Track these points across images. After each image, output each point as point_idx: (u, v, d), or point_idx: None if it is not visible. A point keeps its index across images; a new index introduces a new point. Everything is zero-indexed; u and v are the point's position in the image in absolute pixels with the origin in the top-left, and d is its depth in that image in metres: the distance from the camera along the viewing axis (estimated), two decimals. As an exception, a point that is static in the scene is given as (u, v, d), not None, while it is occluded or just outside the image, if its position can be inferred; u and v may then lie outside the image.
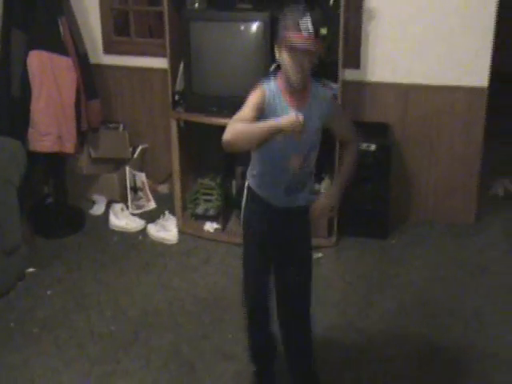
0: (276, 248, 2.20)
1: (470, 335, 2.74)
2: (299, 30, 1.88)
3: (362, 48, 3.56)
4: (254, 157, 2.13)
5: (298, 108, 1.96)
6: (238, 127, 1.86)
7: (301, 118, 1.81)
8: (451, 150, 3.65)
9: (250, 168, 2.19)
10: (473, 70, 3.47)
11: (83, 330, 2.75)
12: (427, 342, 2.69)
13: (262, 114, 1.94)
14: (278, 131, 1.85)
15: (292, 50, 1.88)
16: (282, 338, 2.31)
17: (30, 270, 3.19)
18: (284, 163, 2.03)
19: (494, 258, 3.37)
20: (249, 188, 2.20)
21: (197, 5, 3.22)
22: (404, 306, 2.95)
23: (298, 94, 1.99)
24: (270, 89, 1.97)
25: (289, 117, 1.82)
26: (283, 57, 1.93)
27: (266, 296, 2.28)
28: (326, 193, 2.27)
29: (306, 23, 1.90)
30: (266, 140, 1.89)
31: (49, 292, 3.03)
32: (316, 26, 1.91)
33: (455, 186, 3.71)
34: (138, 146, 4.12)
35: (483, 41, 3.41)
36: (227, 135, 1.85)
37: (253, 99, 1.95)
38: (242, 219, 2.26)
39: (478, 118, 3.56)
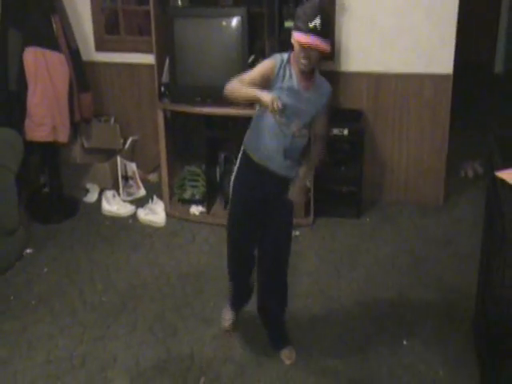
0: (263, 210, 2.45)
1: (430, 297, 3.00)
2: (309, 32, 2.13)
3: (336, 40, 3.78)
4: (258, 119, 2.36)
5: (305, 90, 2.27)
6: (234, 85, 2.21)
7: (276, 104, 2.07)
8: (420, 134, 3.88)
9: (248, 132, 2.43)
10: (438, 58, 3.70)
11: (76, 301, 3.00)
12: (389, 304, 2.96)
13: (270, 77, 2.23)
14: (255, 100, 2.17)
15: (301, 46, 2.16)
16: (260, 285, 2.60)
17: (28, 251, 3.44)
18: (286, 125, 2.27)
19: (458, 233, 3.61)
20: (244, 153, 2.43)
21: (180, 2, 3.45)
22: (372, 276, 3.20)
23: (305, 75, 2.26)
24: (283, 59, 2.26)
25: (269, 97, 2.09)
26: (295, 45, 2.19)
27: (249, 253, 2.57)
28: (297, 182, 2.46)
29: (316, 25, 2.13)
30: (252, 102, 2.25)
31: (45, 270, 3.28)
32: (327, 26, 2.17)
33: (425, 168, 3.94)
34: (128, 138, 4.35)
35: (447, 32, 3.63)
36: (226, 88, 2.21)
37: (262, 67, 2.26)
38: (232, 182, 2.51)
39: (444, 103, 3.79)
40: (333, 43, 3.78)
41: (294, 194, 2.42)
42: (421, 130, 3.88)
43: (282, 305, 2.64)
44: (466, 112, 5.07)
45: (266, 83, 2.23)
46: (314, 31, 2.13)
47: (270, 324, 2.67)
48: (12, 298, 3.03)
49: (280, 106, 2.08)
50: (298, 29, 2.17)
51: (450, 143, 3.91)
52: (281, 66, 2.26)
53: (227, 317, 2.75)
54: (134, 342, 2.69)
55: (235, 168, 2.50)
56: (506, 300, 2.16)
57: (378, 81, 3.82)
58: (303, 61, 2.20)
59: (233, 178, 2.51)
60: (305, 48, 2.16)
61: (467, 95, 5.44)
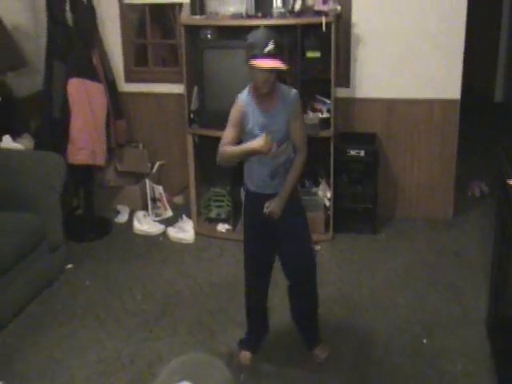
0: (272, 230, 2.60)
1: (445, 302, 3.24)
2: (266, 56, 2.30)
3: (351, 69, 4.08)
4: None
5: (267, 110, 2.44)
6: (222, 152, 2.48)
7: (270, 144, 2.34)
8: (430, 155, 4.16)
9: (244, 168, 2.64)
10: (446, 84, 3.99)
11: (119, 309, 3.25)
12: (408, 308, 3.19)
13: (242, 123, 2.46)
14: (252, 153, 2.42)
15: (262, 71, 2.35)
16: (292, 297, 2.78)
17: (69, 266, 3.69)
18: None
19: (467, 246, 3.85)
20: (246, 187, 2.67)
21: (209, 36, 3.77)
22: (390, 283, 3.45)
23: (267, 98, 2.44)
24: (243, 99, 2.47)
25: (260, 143, 2.35)
26: (254, 72, 2.37)
27: (263, 282, 2.74)
28: (276, 200, 2.56)
29: (269, 47, 2.30)
30: (245, 158, 2.48)
31: (87, 282, 3.53)
32: (280, 47, 2.34)
33: (434, 187, 4.21)
34: (155, 162, 4.64)
35: (454, 59, 3.92)
36: (217, 159, 2.50)
37: (232, 117, 2.48)
38: (242, 215, 2.75)
39: (452, 126, 4.07)
40: (348, 72, 4.11)
41: (273, 203, 2.54)
42: (430, 152, 4.15)
43: (314, 308, 2.81)
44: (470, 138, 5.37)
45: (240, 129, 2.46)
46: (270, 55, 2.32)
47: (303, 327, 2.85)
48: (59, 307, 3.28)
49: (275, 146, 2.37)
50: (256, 56, 2.33)
51: (460, 165, 4.18)
52: (245, 103, 2.44)
53: (247, 357, 2.80)
54: (176, 343, 2.92)
55: (243, 200, 2.73)
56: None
57: (390, 106, 4.11)
58: (264, 84, 2.37)
59: (243, 209, 2.73)
60: (265, 72, 2.33)
61: (470, 122, 5.74)
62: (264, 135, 2.35)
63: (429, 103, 4.04)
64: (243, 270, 2.78)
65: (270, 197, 2.57)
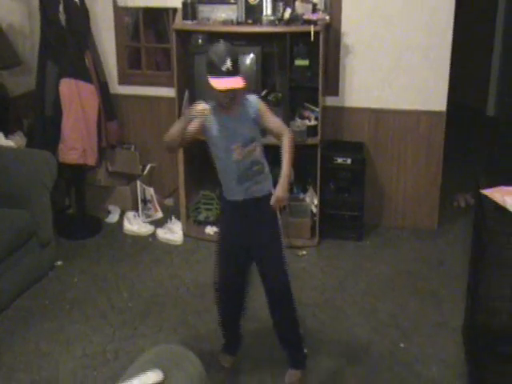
0: (247, 237, 2.58)
1: (425, 309, 3.32)
2: (223, 75, 2.33)
3: (340, 78, 4.18)
4: (214, 162, 2.60)
5: (229, 115, 2.48)
6: (166, 137, 2.52)
7: (205, 112, 2.39)
8: (416, 165, 4.24)
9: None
10: (433, 96, 4.08)
11: (106, 306, 3.32)
12: (388, 314, 3.27)
13: (202, 121, 2.46)
14: (189, 119, 2.44)
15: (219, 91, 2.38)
16: (270, 313, 2.73)
17: (59, 262, 3.76)
18: (229, 158, 2.49)
19: (451, 255, 3.93)
20: (222, 198, 2.67)
21: (200, 41, 3.85)
22: (372, 290, 3.53)
23: (230, 108, 2.47)
24: (207, 103, 2.48)
25: (199, 109, 2.41)
26: (213, 88, 2.37)
27: (236, 292, 2.71)
28: (278, 185, 2.49)
29: (227, 65, 2.32)
30: (184, 130, 2.45)
31: (75, 279, 3.60)
32: (238, 64, 2.36)
33: (420, 197, 4.29)
34: (147, 165, 4.71)
35: (441, 72, 4.00)
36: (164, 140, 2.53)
37: (190, 111, 2.47)
38: (219, 226, 2.77)
39: (438, 137, 4.16)
40: (337, 81, 4.20)
41: (278, 189, 2.46)
42: (417, 162, 4.24)
43: (293, 328, 2.72)
44: (459, 150, 5.48)
45: (199, 123, 2.47)
46: (227, 73, 2.33)
47: (282, 345, 2.79)
48: (47, 302, 3.34)
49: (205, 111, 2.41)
50: (212, 74, 2.36)
51: (444, 176, 4.27)
52: (210, 107, 2.44)
53: (226, 358, 2.83)
54: (160, 340, 2.99)
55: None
56: (491, 309, 2.48)
57: (378, 116, 4.19)
58: (225, 100, 2.41)
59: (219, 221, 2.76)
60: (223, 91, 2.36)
61: (461, 135, 5.87)
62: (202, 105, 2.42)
63: (416, 114, 4.13)
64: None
65: (243, 203, 2.56)
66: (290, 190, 2.72)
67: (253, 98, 2.55)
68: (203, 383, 1.61)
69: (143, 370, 1.54)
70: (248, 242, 2.61)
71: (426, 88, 4.07)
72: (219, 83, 2.36)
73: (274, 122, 2.57)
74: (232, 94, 2.41)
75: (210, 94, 2.48)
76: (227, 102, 2.44)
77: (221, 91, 2.38)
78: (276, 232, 2.60)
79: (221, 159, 2.57)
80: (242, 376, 2.80)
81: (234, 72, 2.37)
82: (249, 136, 2.53)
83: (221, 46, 2.42)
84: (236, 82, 2.37)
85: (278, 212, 2.59)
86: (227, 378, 2.78)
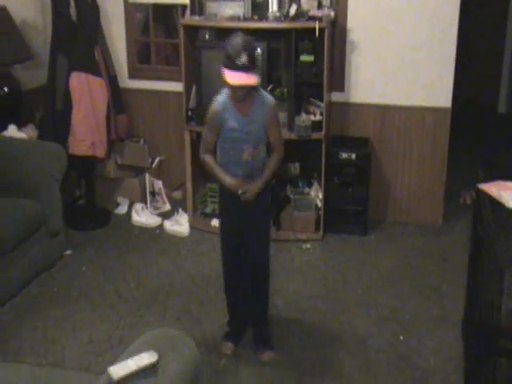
0: (244, 226, 2.74)
1: (426, 303, 3.36)
2: (237, 69, 2.33)
3: (346, 74, 4.22)
4: (218, 151, 2.68)
5: (244, 113, 2.51)
6: (203, 161, 2.69)
7: (240, 191, 2.55)
8: (421, 161, 4.27)
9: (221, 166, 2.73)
10: (437, 93, 4.11)
11: (112, 294, 3.40)
12: (389, 308, 3.32)
13: (219, 125, 2.55)
14: (221, 182, 2.63)
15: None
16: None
17: (68, 252, 3.85)
18: (239, 153, 2.58)
19: (454, 251, 3.96)
20: (220, 185, 2.76)
21: (207, 37, 3.91)
22: (374, 283, 3.57)
23: (243, 102, 2.50)
24: (219, 102, 2.55)
25: (233, 185, 2.57)
26: (226, 80, 2.41)
27: (238, 269, 2.85)
28: (251, 186, 2.64)
29: (242, 60, 2.31)
30: (215, 138, 2.63)
31: (83, 268, 3.69)
32: (253, 59, 2.35)
33: (425, 193, 4.32)
34: (155, 158, 4.79)
35: (446, 68, 4.03)
36: (201, 157, 2.69)
37: (208, 120, 2.61)
38: (218, 210, 2.86)
39: (443, 134, 4.19)
40: (343, 77, 4.24)
41: (249, 188, 2.60)
42: (422, 157, 4.27)
43: (264, 308, 2.92)
44: (469, 147, 5.49)
45: (217, 131, 2.57)
46: (241, 68, 2.32)
47: (254, 327, 2.95)
48: (56, 290, 3.44)
49: (240, 191, 2.56)
50: (227, 66, 2.36)
51: (451, 172, 4.30)
52: (222, 108, 2.51)
53: (228, 346, 2.91)
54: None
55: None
56: (490, 303, 2.51)
57: (383, 112, 4.22)
58: (238, 93, 2.43)
59: (218, 205, 2.87)
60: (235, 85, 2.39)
61: (472, 132, 5.88)
62: (239, 183, 2.57)
63: (421, 110, 4.16)
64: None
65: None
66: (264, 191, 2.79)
67: (269, 100, 2.57)
68: (197, 365, 1.68)
69: (139, 351, 1.61)
70: (243, 223, 2.74)
71: (431, 84, 4.09)
72: (233, 78, 2.36)
73: (275, 133, 2.64)
74: (246, 89, 2.41)
75: (225, 87, 2.52)
76: (241, 96, 2.46)
77: (234, 86, 2.40)
78: (267, 217, 2.80)
79: (229, 155, 2.63)
80: (241, 363, 2.86)
81: (249, 67, 2.35)
82: (260, 136, 2.60)
83: (239, 39, 2.39)
84: (249, 79, 2.36)
85: (269, 200, 2.75)
86: (227, 364, 2.85)
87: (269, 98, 2.60)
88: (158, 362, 1.60)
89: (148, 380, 1.56)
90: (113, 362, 2.72)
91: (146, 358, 1.59)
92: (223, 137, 2.60)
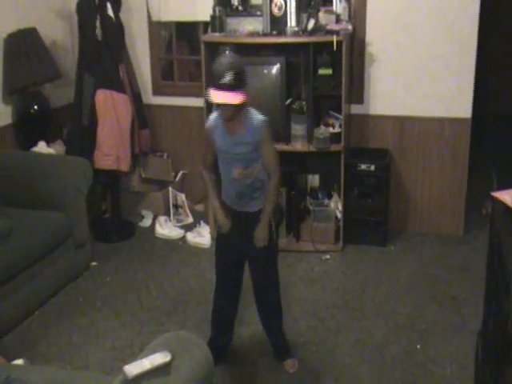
0: (242, 244, 2.73)
1: (444, 312, 3.37)
2: (219, 88, 2.33)
3: (365, 87, 4.27)
4: (220, 170, 2.73)
5: (232, 133, 2.52)
6: (204, 175, 2.75)
7: (224, 229, 2.66)
8: (441, 171, 4.28)
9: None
10: (457, 104, 4.13)
11: (135, 304, 3.51)
12: (407, 317, 3.34)
13: (212, 142, 2.61)
14: (207, 139, 2.64)
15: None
16: (258, 308, 2.95)
17: (94, 263, 3.98)
18: (230, 173, 2.60)
19: (475, 262, 3.92)
20: (222, 200, 2.78)
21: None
22: (393, 293, 3.59)
23: (232, 123, 2.49)
24: (211, 120, 2.62)
25: (221, 221, 2.68)
26: (209, 98, 2.43)
27: (232, 285, 2.87)
28: (259, 226, 2.66)
29: (226, 79, 2.31)
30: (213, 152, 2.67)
31: (108, 279, 3.80)
32: (238, 78, 2.34)
33: (446, 203, 4.33)
34: (179, 171, 4.91)
35: (465, 80, 4.05)
36: (202, 174, 2.76)
37: (205, 139, 2.67)
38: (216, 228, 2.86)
39: (463, 144, 4.19)
40: (362, 89, 4.30)
41: (258, 231, 2.65)
42: (442, 168, 4.28)
43: (278, 322, 2.94)
44: (492, 157, 5.46)
45: (212, 145, 2.62)
46: (225, 86, 2.31)
47: (271, 339, 2.98)
48: (81, 299, 3.56)
49: (225, 229, 2.66)
50: (212, 86, 2.37)
51: (474, 183, 4.29)
52: (213, 126, 2.56)
53: None
54: (184, 336, 3.14)
55: None
56: (504, 313, 2.52)
57: (403, 123, 4.26)
58: (224, 112, 2.44)
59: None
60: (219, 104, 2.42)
61: (495, 143, 5.85)
62: (226, 223, 2.69)
63: (440, 121, 4.18)
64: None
65: (241, 214, 2.70)
66: (279, 222, 2.88)
67: (258, 121, 2.52)
68: (209, 367, 1.75)
69: (153, 352, 1.69)
70: (243, 245, 2.74)
71: (450, 96, 4.12)
72: (215, 96, 2.37)
73: (269, 158, 2.58)
74: (231, 108, 2.40)
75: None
76: (228, 115, 2.45)
77: (217, 104, 2.45)
78: (270, 241, 2.72)
79: (224, 173, 2.68)
80: (258, 370, 2.92)
81: (233, 86, 2.34)
82: (250, 158, 2.56)
83: (225, 58, 2.47)
84: (232, 97, 2.35)
85: (272, 223, 2.72)
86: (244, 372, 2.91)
87: (259, 117, 2.54)
88: (171, 361, 1.67)
89: (161, 378, 1.64)
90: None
91: (159, 358, 1.67)
92: (218, 155, 2.66)
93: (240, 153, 2.54)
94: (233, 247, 2.78)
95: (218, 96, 2.37)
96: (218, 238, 2.85)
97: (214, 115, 2.65)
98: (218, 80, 2.36)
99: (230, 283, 2.88)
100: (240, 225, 2.72)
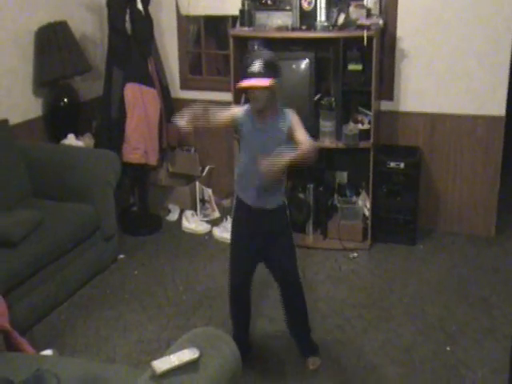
0: (259, 241, 2.70)
1: (474, 314, 3.30)
2: (249, 76, 2.40)
3: (395, 83, 4.21)
4: (237, 163, 2.73)
5: (262, 124, 2.54)
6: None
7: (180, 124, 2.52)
8: (473, 170, 4.19)
9: (235, 178, 2.78)
10: (490, 101, 4.03)
11: (162, 297, 3.51)
12: (436, 317, 3.27)
13: (234, 121, 2.58)
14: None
15: (243, 90, 2.49)
16: (283, 306, 2.91)
17: (121, 256, 4.00)
18: (254, 165, 2.50)
19: (506, 263, 3.85)
20: (236, 196, 2.78)
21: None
22: (421, 293, 3.53)
23: (263, 114, 2.52)
24: (243, 110, 2.60)
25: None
26: (238, 86, 2.48)
27: (245, 289, 2.87)
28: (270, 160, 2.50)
29: (255, 69, 2.38)
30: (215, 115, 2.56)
31: (135, 272, 3.82)
32: (267, 67, 2.39)
33: (477, 203, 4.23)
34: (206, 166, 4.90)
35: (499, 76, 3.95)
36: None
37: (231, 111, 2.62)
38: (231, 223, 2.85)
39: (496, 143, 4.09)
40: (392, 86, 4.23)
41: (266, 162, 2.47)
42: (473, 167, 4.19)
43: (303, 321, 2.91)
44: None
45: (230, 121, 2.60)
46: (253, 74, 2.38)
47: (296, 335, 2.96)
48: (108, 291, 3.59)
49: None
50: (242, 77, 2.44)
51: (507, 182, 4.19)
52: (244, 115, 2.55)
53: None
54: (210, 331, 3.14)
55: (232, 209, 2.84)
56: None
57: (434, 120, 4.19)
58: (254, 103, 2.48)
59: (232, 215, 2.86)
60: (247, 90, 2.44)
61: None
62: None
63: (472, 119, 4.09)
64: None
65: (257, 210, 2.66)
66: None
67: (288, 112, 2.58)
68: (236, 363, 1.73)
69: (182, 348, 1.68)
70: (259, 241, 2.71)
71: (484, 93, 4.02)
72: (243, 82, 2.42)
73: (301, 134, 2.55)
74: (260, 98, 2.43)
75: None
76: (256, 106, 2.48)
77: (247, 92, 2.46)
78: (288, 232, 2.74)
79: (246, 165, 2.65)
80: (286, 367, 2.90)
81: (262, 74, 2.39)
82: (277, 151, 2.54)
83: (257, 53, 2.54)
84: (258, 81, 2.38)
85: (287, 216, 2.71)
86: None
87: (288, 110, 2.60)
88: (199, 358, 1.66)
89: (189, 375, 1.63)
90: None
91: (187, 354, 1.66)
92: (242, 144, 2.64)
93: (271, 148, 2.51)
94: (247, 246, 2.76)
95: (244, 82, 2.42)
96: (233, 238, 2.84)
97: (244, 107, 2.63)
98: (246, 70, 2.42)
99: (244, 277, 2.87)
100: (255, 222, 2.69)
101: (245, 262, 2.82)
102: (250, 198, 2.66)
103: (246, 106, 2.63)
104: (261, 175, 2.46)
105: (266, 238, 2.71)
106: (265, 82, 2.38)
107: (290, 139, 2.56)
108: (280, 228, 2.73)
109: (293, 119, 2.56)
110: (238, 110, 2.63)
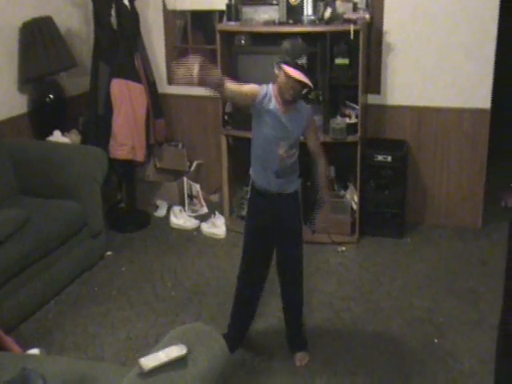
0: (273, 229, 2.74)
1: (462, 306, 3.32)
2: (297, 67, 2.43)
3: (382, 77, 4.22)
4: (253, 145, 2.68)
5: (284, 113, 2.55)
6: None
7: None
8: (459, 163, 4.22)
9: (251, 163, 2.75)
10: (476, 94, 4.05)
11: (150, 294, 3.50)
12: (424, 310, 3.30)
13: (251, 101, 2.52)
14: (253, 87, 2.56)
15: (290, 78, 2.45)
16: (281, 297, 2.93)
17: (108, 253, 3.98)
18: (274, 149, 2.57)
19: (493, 255, 3.88)
20: (251, 182, 2.76)
21: (243, 41, 3.98)
22: (409, 286, 3.55)
23: (286, 103, 2.55)
24: (268, 92, 2.56)
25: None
26: (281, 76, 2.47)
27: (259, 283, 2.88)
28: (322, 212, 2.78)
29: (303, 63, 2.45)
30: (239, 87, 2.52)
31: (123, 268, 3.80)
32: (309, 63, 2.49)
33: (464, 195, 4.26)
34: (193, 162, 4.89)
35: (485, 70, 3.98)
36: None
37: (251, 87, 2.55)
38: (246, 210, 2.85)
39: (482, 135, 4.12)
40: (379, 80, 4.24)
41: (319, 221, 2.71)
42: (460, 160, 4.22)
43: (297, 313, 2.93)
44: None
45: (249, 100, 2.54)
46: (301, 68, 2.42)
47: (288, 326, 2.97)
48: (96, 288, 3.56)
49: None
50: (287, 63, 2.44)
51: (493, 175, 4.22)
52: (265, 95, 2.53)
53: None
54: (199, 327, 3.13)
55: (248, 196, 2.84)
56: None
57: (420, 114, 4.20)
58: (289, 91, 2.47)
59: (246, 206, 2.87)
60: (292, 80, 2.43)
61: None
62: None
63: (459, 112, 4.12)
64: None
65: (275, 195, 2.68)
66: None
67: (307, 107, 2.68)
68: (225, 359, 1.73)
69: (169, 344, 1.68)
70: (273, 226, 2.74)
71: (470, 86, 4.05)
72: (295, 72, 2.43)
73: (316, 141, 2.73)
74: (296, 90, 2.48)
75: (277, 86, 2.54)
76: (290, 97, 2.49)
77: (289, 82, 2.44)
78: (298, 218, 2.78)
79: (265, 149, 2.63)
80: (274, 362, 2.90)
81: (306, 70, 2.46)
82: (296, 138, 2.66)
83: (300, 42, 2.54)
84: (306, 78, 2.45)
85: (300, 200, 2.77)
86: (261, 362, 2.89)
87: (307, 106, 2.71)
88: (187, 355, 1.66)
89: (177, 372, 1.63)
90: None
91: (175, 351, 1.65)
92: (262, 127, 2.58)
93: (292, 132, 2.59)
94: (264, 232, 2.77)
95: (297, 73, 2.42)
96: (249, 224, 2.83)
97: (270, 88, 2.56)
98: (294, 60, 2.43)
99: (257, 271, 2.86)
100: (273, 207, 2.71)
101: (262, 255, 2.82)
102: (272, 184, 2.66)
103: (265, 87, 2.57)
104: (279, 162, 2.60)
105: (281, 223, 2.73)
106: (311, 81, 2.47)
107: (303, 136, 2.67)
108: (294, 213, 2.76)
109: (311, 118, 2.70)
110: (260, 88, 2.57)
